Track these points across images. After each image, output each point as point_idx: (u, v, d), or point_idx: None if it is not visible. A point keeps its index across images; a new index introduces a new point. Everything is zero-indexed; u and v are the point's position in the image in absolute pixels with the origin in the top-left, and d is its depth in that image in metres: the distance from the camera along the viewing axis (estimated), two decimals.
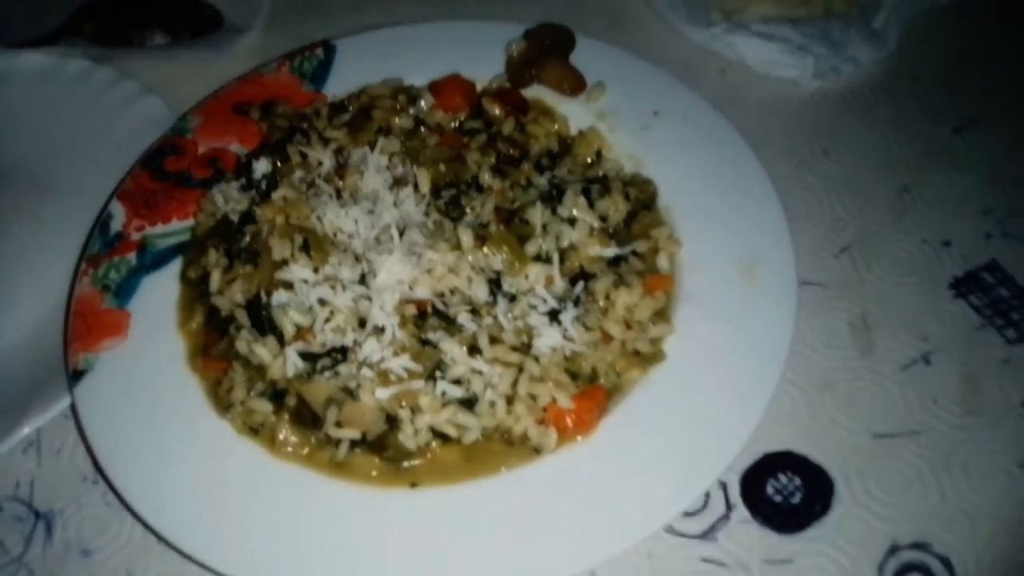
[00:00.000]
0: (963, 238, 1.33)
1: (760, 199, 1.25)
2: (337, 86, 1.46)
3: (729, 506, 1.08)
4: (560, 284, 1.15)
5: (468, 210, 1.24)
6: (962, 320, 1.24)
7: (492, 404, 1.07)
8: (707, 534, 1.06)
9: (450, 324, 1.11)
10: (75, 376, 1.14)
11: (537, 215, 1.20)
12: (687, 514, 1.07)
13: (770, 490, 1.09)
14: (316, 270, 1.15)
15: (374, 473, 1.05)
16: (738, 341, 1.11)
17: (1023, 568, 1.03)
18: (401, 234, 1.18)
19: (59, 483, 1.17)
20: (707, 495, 1.09)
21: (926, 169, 1.42)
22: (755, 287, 1.15)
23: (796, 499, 1.08)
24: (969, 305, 1.25)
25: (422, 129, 1.38)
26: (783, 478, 1.10)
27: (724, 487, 1.09)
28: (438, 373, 1.07)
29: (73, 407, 1.14)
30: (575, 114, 1.41)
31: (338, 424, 1.06)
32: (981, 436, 1.12)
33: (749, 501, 1.08)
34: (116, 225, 1.29)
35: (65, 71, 1.59)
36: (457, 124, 1.41)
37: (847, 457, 1.11)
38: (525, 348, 1.10)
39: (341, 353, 1.09)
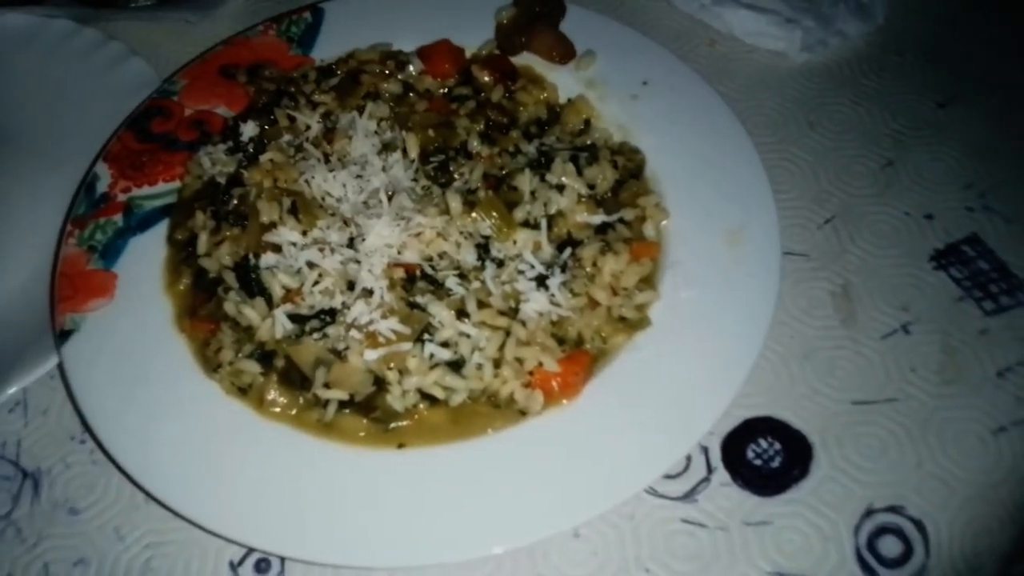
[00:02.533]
0: (945, 211, 1.34)
1: (746, 170, 1.26)
2: (325, 50, 1.46)
3: (710, 469, 1.10)
4: (548, 250, 1.16)
5: (456, 176, 1.24)
6: (942, 291, 1.26)
7: (479, 367, 1.08)
8: (688, 496, 1.08)
9: (438, 288, 1.12)
10: (62, 336, 1.14)
11: (526, 182, 1.20)
12: (669, 477, 1.09)
13: (750, 454, 1.11)
14: (304, 233, 1.16)
15: (362, 434, 1.06)
16: (722, 308, 1.13)
17: (993, 531, 1.06)
18: (390, 199, 1.18)
19: (46, 442, 1.17)
20: (688, 458, 1.11)
21: (910, 143, 1.43)
22: (740, 256, 1.17)
23: (775, 463, 1.10)
24: (949, 277, 1.27)
25: (411, 95, 1.37)
26: (763, 443, 1.12)
27: (705, 451, 1.11)
28: (426, 336, 1.08)
29: (60, 367, 1.14)
30: (564, 82, 1.41)
31: (326, 385, 1.07)
32: (957, 404, 1.15)
33: (730, 465, 1.10)
34: (102, 187, 1.29)
35: (49, 32, 1.57)
36: (446, 90, 1.40)
37: (826, 423, 1.13)
38: (512, 312, 1.11)
39: (330, 315, 1.10)
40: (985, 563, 1.05)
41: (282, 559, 1.05)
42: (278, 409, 1.08)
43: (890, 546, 1.04)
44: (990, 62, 1.54)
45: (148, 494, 1.03)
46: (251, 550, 1.06)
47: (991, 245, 1.30)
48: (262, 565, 1.06)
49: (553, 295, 1.12)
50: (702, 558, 1.04)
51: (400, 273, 1.12)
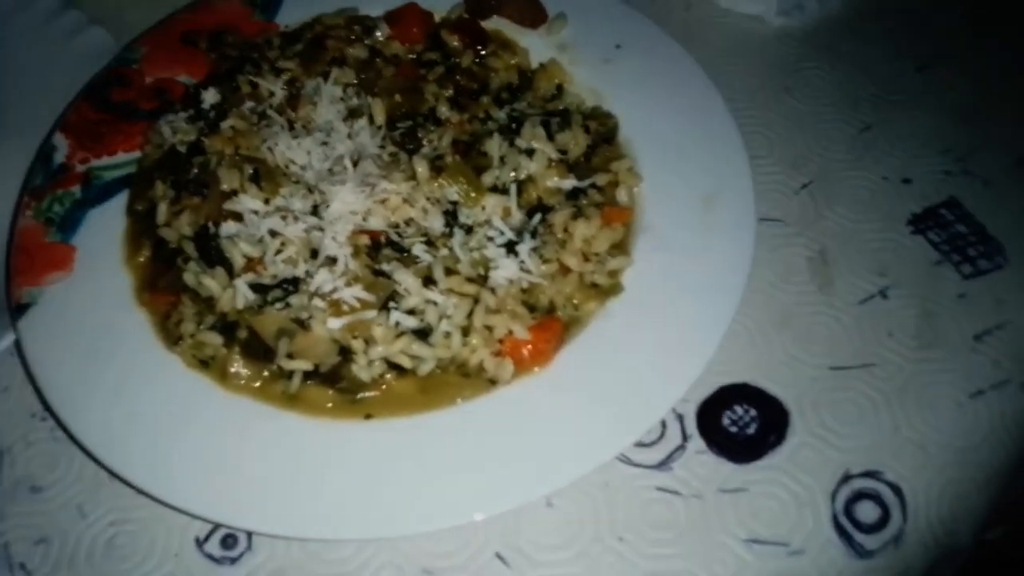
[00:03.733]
0: (923, 175, 1.33)
1: (721, 134, 1.24)
2: (289, 15, 1.42)
3: (685, 437, 1.08)
4: (517, 216, 1.14)
5: (425, 143, 1.21)
6: (920, 255, 1.24)
7: (447, 335, 1.05)
8: (663, 464, 1.07)
9: (405, 255, 1.09)
10: (18, 310, 1.11)
11: (495, 147, 1.18)
12: (643, 445, 1.07)
13: (726, 421, 1.09)
14: (266, 201, 1.13)
15: (328, 405, 1.04)
16: (695, 274, 1.11)
17: (970, 495, 1.05)
18: (355, 165, 1.15)
19: (6, 421, 1.15)
20: (663, 426, 1.09)
21: (888, 107, 1.41)
22: (714, 221, 1.15)
23: (751, 430, 1.08)
24: (927, 241, 1.26)
25: (378, 60, 1.34)
26: (739, 409, 1.10)
27: (680, 418, 1.10)
28: (392, 304, 1.05)
29: (18, 343, 1.11)
30: (535, 47, 1.39)
31: (290, 356, 1.04)
32: (934, 368, 1.13)
33: (705, 432, 1.08)
34: (59, 157, 1.26)
35: (5, 1, 1.52)
36: (414, 56, 1.37)
37: (803, 389, 1.12)
38: (481, 280, 1.08)
39: (292, 284, 1.07)
40: (962, 527, 1.04)
41: (249, 534, 1.03)
42: (242, 382, 1.05)
43: (867, 511, 1.03)
44: (968, 26, 1.52)
45: (109, 471, 1.01)
46: (217, 526, 1.03)
47: (969, 208, 1.29)
48: (228, 541, 1.04)
49: (523, 262, 1.09)
50: (677, 526, 1.02)
51: (365, 240, 1.09)
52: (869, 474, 1.05)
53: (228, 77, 1.30)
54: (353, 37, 1.35)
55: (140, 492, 0.99)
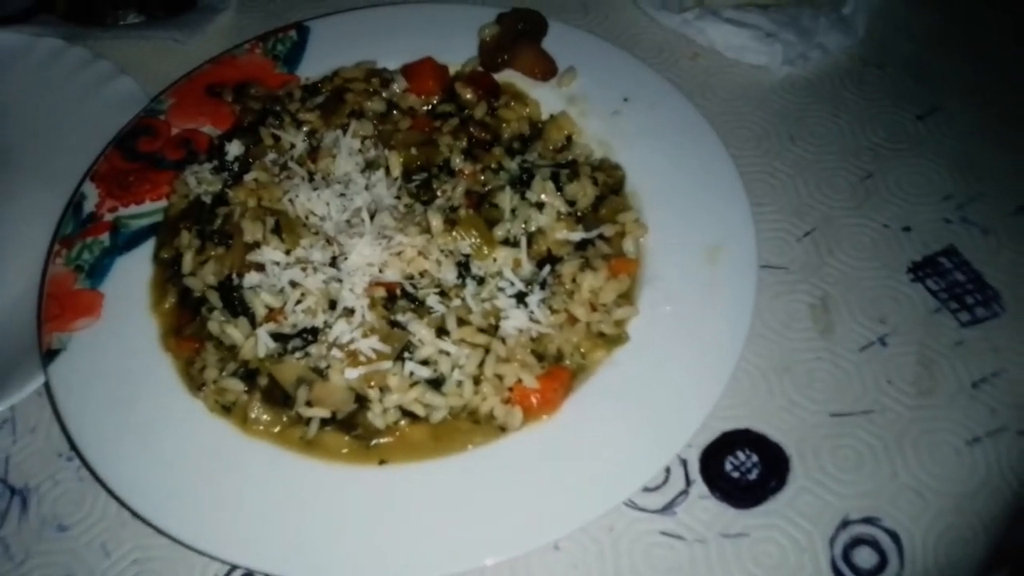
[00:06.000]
0: (923, 223, 1.36)
1: (725, 187, 1.27)
2: (310, 68, 1.47)
3: (688, 482, 1.12)
4: (527, 267, 1.18)
5: (439, 194, 1.26)
6: (919, 303, 1.27)
7: (459, 384, 1.09)
8: (667, 509, 1.10)
9: (419, 306, 1.14)
10: (49, 355, 1.15)
11: (506, 200, 1.22)
12: (648, 489, 1.10)
13: (728, 466, 1.12)
14: (288, 252, 1.17)
15: (344, 451, 1.08)
16: (699, 323, 1.14)
17: (967, 541, 1.07)
18: (372, 217, 1.20)
19: (34, 460, 1.19)
20: (667, 471, 1.12)
21: (889, 156, 1.45)
22: (717, 273, 1.18)
23: (753, 475, 1.11)
24: (926, 289, 1.29)
25: (394, 112, 1.39)
26: (741, 455, 1.13)
27: (684, 464, 1.13)
28: (406, 354, 1.09)
29: (47, 385, 1.15)
30: (546, 99, 1.43)
31: (308, 403, 1.08)
32: (932, 415, 1.16)
33: (708, 477, 1.12)
34: (89, 206, 1.30)
35: (37, 50, 1.58)
36: (430, 108, 1.42)
37: (804, 435, 1.15)
38: (492, 329, 1.13)
39: (312, 334, 1.12)
40: (959, 573, 1.06)
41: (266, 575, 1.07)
42: (262, 427, 1.09)
43: (865, 557, 1.05)
44: (968, 76, 1.56)
45: (132, 512, 1.04)
46: (235, 567, 1.07)
47: (967, 257, 1.32)
48: None
49: (532, 312, 1.13)
50: (680, 570, 1.05)
51: (381, 292, 1.13)
52: (867, 520, 1.08)
53: (251, 129, 1.35)
54: (371, 90, 1.40)
55: (161, 533, 1.03)
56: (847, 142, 1.47)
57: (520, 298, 1.14)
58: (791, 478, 1.11)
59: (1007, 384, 1.19)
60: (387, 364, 1.08)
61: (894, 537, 1.07)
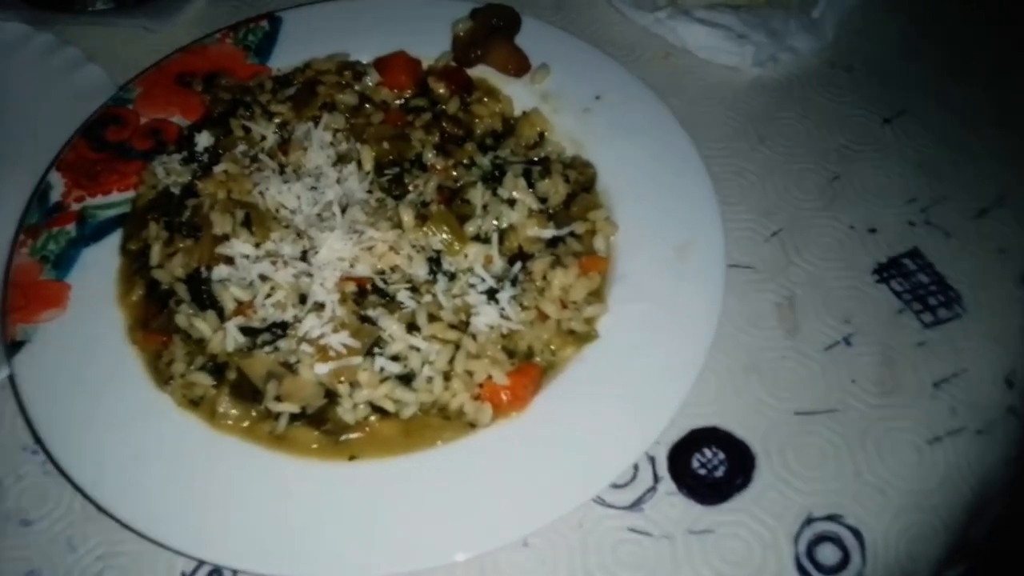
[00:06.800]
0: (888, 225, 1.38)
1: (695, 185, 1.28)
2: (282, 59, 1.46)
3: (656, 479, 1.13)
4: (499, 264, 1.18)
5: (411, 188, 1.26)
6: (883, 304, 1.29)
7: (429, 380, 1.09)
8: (635, 505, 1.11)
9: (390, 301, 1.13)
10: (13, 347, 1.13)
11: (478, 196, 1.22)
12: (616, 486, 1.11)
13: (695, 464, 1.14)
14: (257, 245, 1.16)
15: (314, 446, 1.07)
16: (668, 321, 1.15)
17: (927, 538, 1.10)
18: (343, 211, 1.19)
19: None
20: (636, 468, 1.13)
21: (856, 158, 1.47)
22: (686, 270, 1.19)
23: (719, 472, 1.13)
24: (890, 290, 1.31)
25: (367, 106, 1.38)
26: (708, 452, 1.15)
27: (652, 461, 1.14)
28: (377, 349, 1.09)
29: (11, 378, 1.13)
30: (519, 95, 1.43)
31: (278, 398, 1.08)
32: (895, 415, 1.18)
33: (675, 474, 1.13)
34: (55, 196, 1.28)
35: (1, 36, 1.55)
36: (402, 102, 1.41)
37: (769, 433, 1.16)
38: (463, 326, 1.13)
39: (281, 328, 1.11)
40: (919, 569, 1.09)
41: (234, 571, 1.06)
42: (230, 422, 1.09)
43: (828, 554, 1.07)
44: (934, 81, 1.58)
45: (98, 506, 1.03)
46: (202, 562, 1.06)
47: (931, 259, 1.34)
48: None
49: (503, 308, 1.14)
50: (648, 566, 1.06)
51: (351, 287, 1.13)
52: (831, 517, 1.10)
53: (222, 120, 1.33)
54: (344, 83, 1.39)
55: (127, 527, 1.02)
56: (815, 143, 1.49)
57: (491, 294, 1.14)
58: (757, 475, 1.13)
59: (967, 384, 1.22)
60: (357, 359, 1.07)
61: (856, 534, 1.09)
